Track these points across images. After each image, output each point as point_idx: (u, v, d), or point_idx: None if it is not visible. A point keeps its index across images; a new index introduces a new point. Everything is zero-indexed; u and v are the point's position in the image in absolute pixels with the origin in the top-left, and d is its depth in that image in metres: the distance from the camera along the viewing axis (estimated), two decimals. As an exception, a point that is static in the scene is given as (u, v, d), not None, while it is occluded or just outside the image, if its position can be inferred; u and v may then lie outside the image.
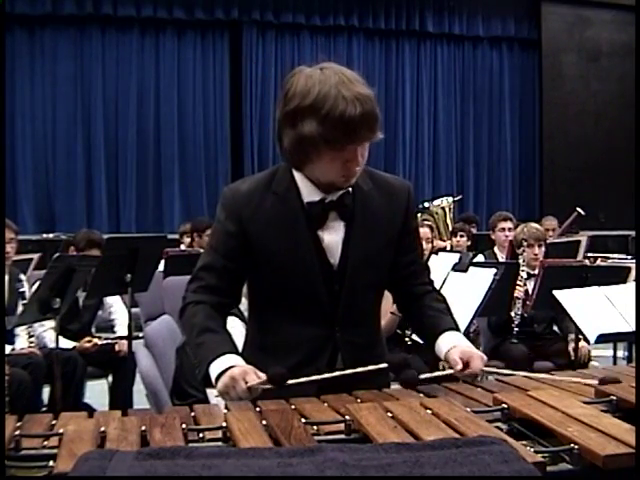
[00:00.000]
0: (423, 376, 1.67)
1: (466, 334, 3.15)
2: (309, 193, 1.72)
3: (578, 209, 8.03)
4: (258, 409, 1.51)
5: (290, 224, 1.71)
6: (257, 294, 1.82)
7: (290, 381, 1.57)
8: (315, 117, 1.57)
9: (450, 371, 1.70)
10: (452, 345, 1.72)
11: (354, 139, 1.58)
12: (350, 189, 1.73)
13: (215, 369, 1.60)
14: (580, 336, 3.78)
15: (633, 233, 8.47)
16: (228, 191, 1.77)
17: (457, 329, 1.79)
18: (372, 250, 1.74)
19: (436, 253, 4.36)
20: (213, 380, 1.60)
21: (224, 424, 1.39)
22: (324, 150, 1.60)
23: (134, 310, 4.48)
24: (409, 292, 1.86)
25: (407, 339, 3.86)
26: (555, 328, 4.53)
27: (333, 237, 1.73)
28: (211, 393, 2.59)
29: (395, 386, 1.78)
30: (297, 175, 1.73)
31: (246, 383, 1.55)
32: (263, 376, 1.56)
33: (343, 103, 1.55)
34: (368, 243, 1.74)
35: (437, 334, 1.76)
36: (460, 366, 1.66)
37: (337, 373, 1.64)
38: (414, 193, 1.85)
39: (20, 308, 3.80)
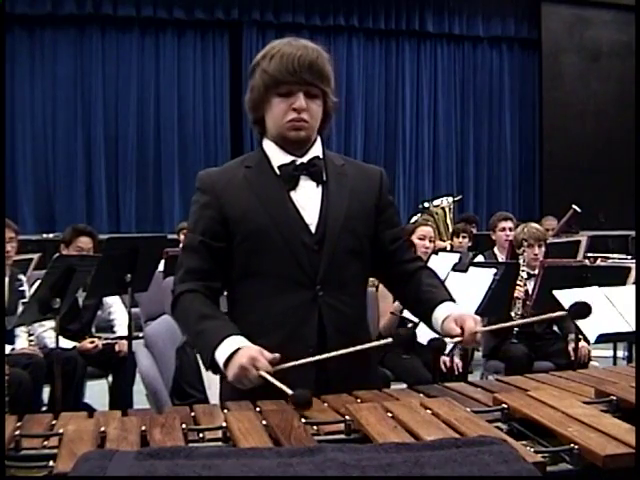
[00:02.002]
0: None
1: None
2: (278, 158, 1.78)
3: (574, 206, 8.00)
4: (258, 409, 1.51)
5: (262, 188, 1.76)
6: (237, 267, 1.77)
7: (288, 364, 1.56)
8: (263, 61, 1.74)
9: (451, 340, 1.70)
10: (445, 315, 1.71)
11: (293, 76, 1.69)
12: (320, 154, 1.80)
13: (221, 355, 1.58)
14: (580, 336, 3.78)
15: (633, 233, 8.46)
16: (202, 172, 1.85)
17: (451, 299, 1.78)
18: (349, 213, 1.76)
19: (436, 253, 4.36)
20: (222, 366, 1.58)
21: (224, 424, 1.39)
22: (271, 94, 1.73)
23: (134, 310, 4.48)
24: (401, 271, 1.86)
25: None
26: (555, 328, 4.53)
27: (307, 197, 1.76)
28: (210, 394, 2.59)
29: (395, 386, 1.78)
30: (266, 145, 1.81)
31: (257, 369, 1.53)
32: (270, 356, 1.55)
33: (287, 47, 1.72)
34: (344, 205, 1.76)
35: (432, 308, 1.76)
36: (458, 331, 1.66)
37: (339, 352, 1.61)
38: (393, 186, 1.90)
39: (20, 308, 3.80)
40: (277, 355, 1.56)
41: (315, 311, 1.72)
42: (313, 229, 1.74)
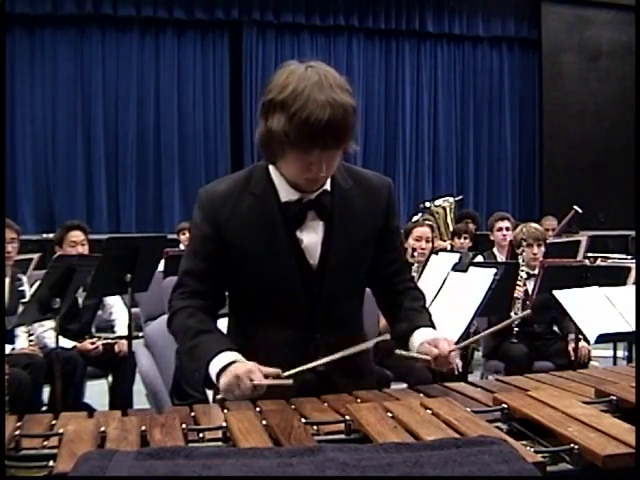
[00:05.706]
0: (398, 351, 1.69)
1: (466, 334, 3.15)
2: (286, 193, 1.70)
3: (575, 207, 8.00)
4: (258, 409, 1.51)
5: (267, 225, 1.69)
6: (236, 297, 1.79)
7: (281, 375, 1.57)
8: (284, 114, 1.55)
9: (425, 357, 1.69)
10: (422, 340, 1.72)
11: (317, 144, 1.55)
12: (328, 187, 1.72)
13: (215, 367, 1.58)
14: (580, 336, 3.78)
15: (633, 233, 8.46)
16: (204, 193, 1.75)
17: (431, 326, 1.78)
18: (351, 251, 1.73)
19: (436, 253, 4.35)
20: (214, 378, 1.58)
21: (224, 424, 1.39)
22: (288, 149, 1.59)
23: (134, 310, 4.48)
24: (390, 289, 1.85)
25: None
26: (555, 328, 4.53)
27: (312, 237, 1.71)
28: (210, 394, 2.59)
29: (395, 386, 1.78)
30: (274, 174, 1.71)
31: (251, 381, 1.53)
32: (268, 370, 1.56)
33: (312, 105, 1.52)
34: (348, 243, 1.72)
35: (411, 331, 1.77)
36: (435, 351, 1.66)
37: (323, 360, 1.62)
38: (395, 191, 1.86)
39: (20, 308, 3.80)
40: (274, 371, 1.57)
41: (311, 348, 1.73)
42: (314, 267, 1.72)
